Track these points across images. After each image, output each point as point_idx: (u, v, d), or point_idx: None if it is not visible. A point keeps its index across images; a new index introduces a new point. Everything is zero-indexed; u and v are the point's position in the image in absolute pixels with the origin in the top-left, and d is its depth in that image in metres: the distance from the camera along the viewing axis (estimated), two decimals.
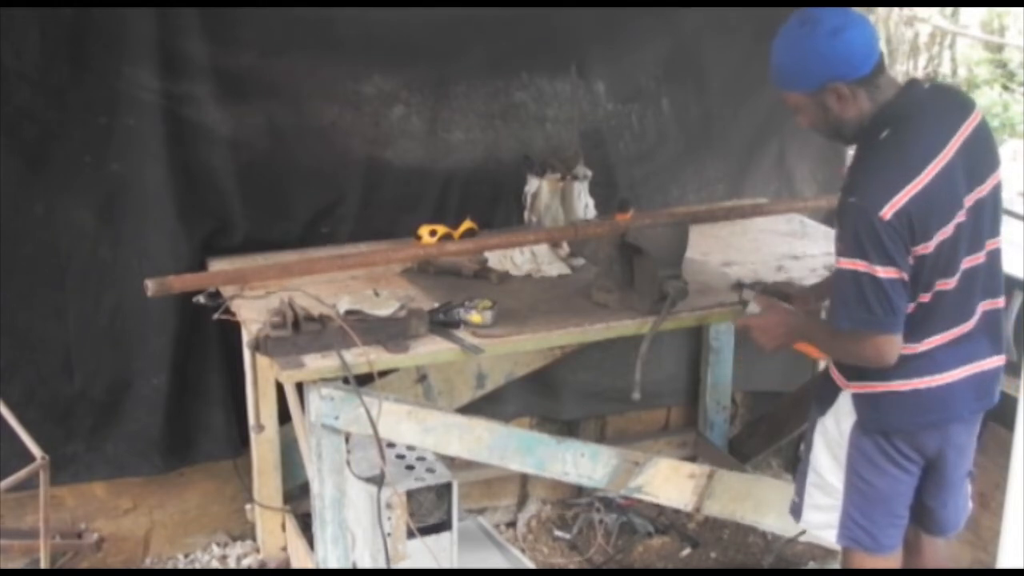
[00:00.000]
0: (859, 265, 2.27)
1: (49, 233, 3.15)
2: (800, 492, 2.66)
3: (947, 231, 2.31)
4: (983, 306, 2.46)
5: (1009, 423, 2.34)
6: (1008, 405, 2.53)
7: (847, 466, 2.52)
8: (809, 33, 2.33)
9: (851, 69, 2.34)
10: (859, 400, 2.47)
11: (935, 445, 2.50)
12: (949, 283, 2.37)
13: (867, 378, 2.44)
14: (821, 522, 2.62)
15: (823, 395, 2.57)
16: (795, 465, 4.10)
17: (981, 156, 2.39)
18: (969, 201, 2.35)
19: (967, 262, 2.38)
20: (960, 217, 2.33)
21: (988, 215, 2.41)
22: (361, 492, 2.84)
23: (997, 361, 2.51)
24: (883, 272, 2.26)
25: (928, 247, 2.29)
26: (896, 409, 2.45)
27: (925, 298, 2.35)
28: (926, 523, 2.65)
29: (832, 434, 2.54)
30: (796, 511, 2.68)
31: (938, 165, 2.29)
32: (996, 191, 2.43)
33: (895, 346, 2.33)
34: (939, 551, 2.75)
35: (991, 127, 2.48)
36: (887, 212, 2.23)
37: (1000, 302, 2.50)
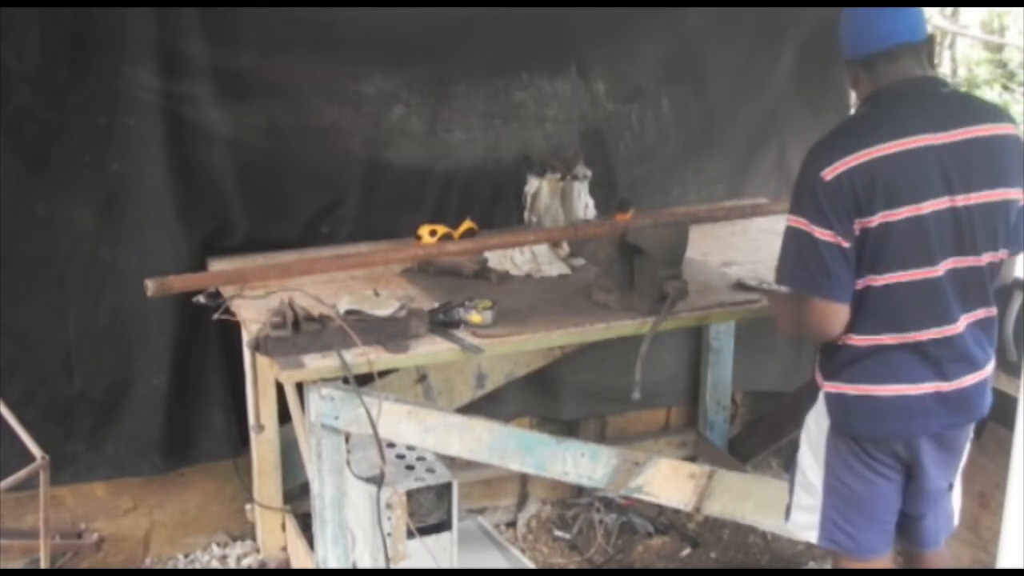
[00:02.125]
0: (799, 223, 2.31)
1: (49, 233, 3.16)
2: (790, 492, 2.65)
3: (895, 215, 2.27)
4: (968, 317, 2.38)
5: (1009, 423, 2.33)
6: (1008, 405, 2.53)
7: (825, 466, 2.51)
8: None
9: (849, 48, 2.42)
10: (830, 399, 2.46)
11: (906, 455, 2.46)
12: (906, 275, 2.31)
13: (835, 377, 2.43)
14: (805, 523, 2.59)
15: (808, 394, 2.57)
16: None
17: (982, 165, 2.33)
18: (944, 202, 2.29)
19: (949, 263, 2.33)
20: (918, 210, 2.27)
21: (984, 226, 2.34)
22: (361, 492, 2.84)
23: (980, 375, 2.44)
24: (820, 233, 2.27)
25: (871, 222, 2.27)
26: (861, 413, 2.42)
27: (875, 282, 2.31)
28: (907, 534, 2.61)
29: (813, 433, 2.54)
30: (786, 512, 2.67)
31: (900, 146, 2.27)
32: (1007, 206, 2.36)
33: (836, 315, 2.33)
34: (943, 560, 2.70)
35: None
36: (828, 174, 2.26)
37: (991, 312, 2.43)
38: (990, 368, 2.48)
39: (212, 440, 3.46)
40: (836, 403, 2.45)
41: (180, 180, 3.24)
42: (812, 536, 2.58)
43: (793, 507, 2.63)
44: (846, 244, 2.28)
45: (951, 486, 2.59)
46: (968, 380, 2.42)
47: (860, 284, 2.33)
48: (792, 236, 2.34)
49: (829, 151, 2.30)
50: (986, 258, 2.37)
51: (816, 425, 2.53)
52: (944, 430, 2.46)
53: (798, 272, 2.34)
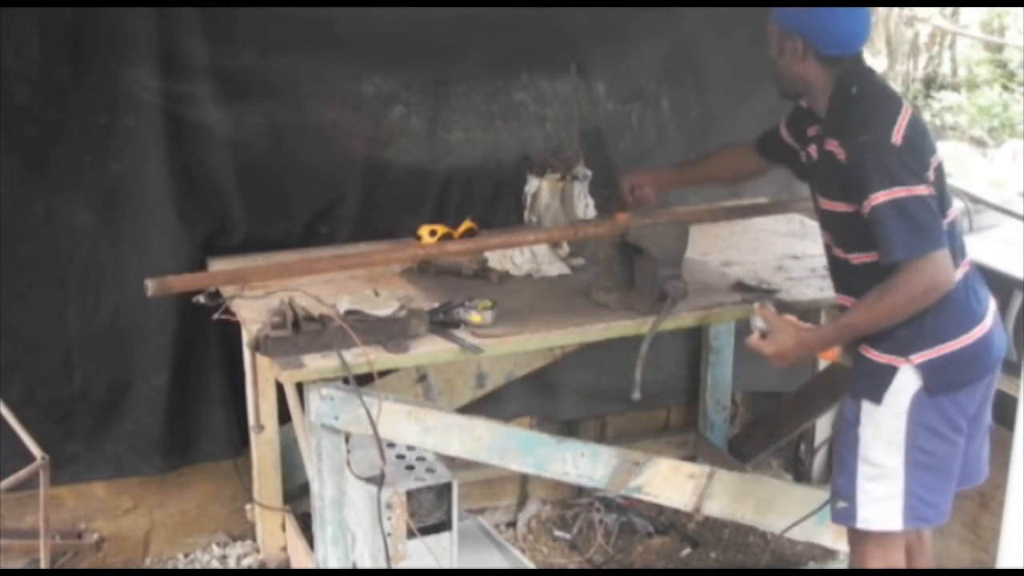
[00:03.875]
0: (897, 192, 2.35)
1: (49, 233, 3.15)
2: (848, 494, 2.58)
3: (932, 168, 2.47)
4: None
5: (1009, 423, 2.34)
6: (1008, 405, 2.54)
7: (907, 444, 2.51)
8: None
9: (819, 39, 2.50)
10: (925, 368, 2.48)
11: (984, 393, 2.58)
12: (951, 214, 2.54)
13: (927, 345, 2.49)
14: (883, 513, 2.56)
15: (871, 384, 2.54)
16: (795, 465, 4.13)
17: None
18: (933, 161, 2.50)
19: (948, 214, 2.53)
20: (937, 160, 2.50)
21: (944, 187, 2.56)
22: (361, 492, 2.84)
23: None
24: (920, 191, 2.37)
25: (932, 169, 2.46)
26: (961, 365, 2.51)
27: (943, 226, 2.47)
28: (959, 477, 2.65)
29: (886, 417, 2.52)
30: (848, 516, 2.59)
31: (909, 109, 2.49)
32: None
33: (950, 260, 2.40)
34: (927, 555, 2.78)
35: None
36: (896, 138, 2.39)
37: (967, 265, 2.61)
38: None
39: (212, 440, 3.45)
40: (933, 368, 2.49)
41: (180, 180, 3.24)
42: (896, 523, 2.55)
43: (860, 504, 2.57)
44: (936, 193, 2.42)
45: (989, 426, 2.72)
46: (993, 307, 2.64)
47: None
48: (896, 207, 2.35)
49: (882, 119, 2.42)
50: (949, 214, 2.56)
51: (890, 408, 2.51)
52: (1001, 356, 2.63)
53: (917, 237, 2.36)
